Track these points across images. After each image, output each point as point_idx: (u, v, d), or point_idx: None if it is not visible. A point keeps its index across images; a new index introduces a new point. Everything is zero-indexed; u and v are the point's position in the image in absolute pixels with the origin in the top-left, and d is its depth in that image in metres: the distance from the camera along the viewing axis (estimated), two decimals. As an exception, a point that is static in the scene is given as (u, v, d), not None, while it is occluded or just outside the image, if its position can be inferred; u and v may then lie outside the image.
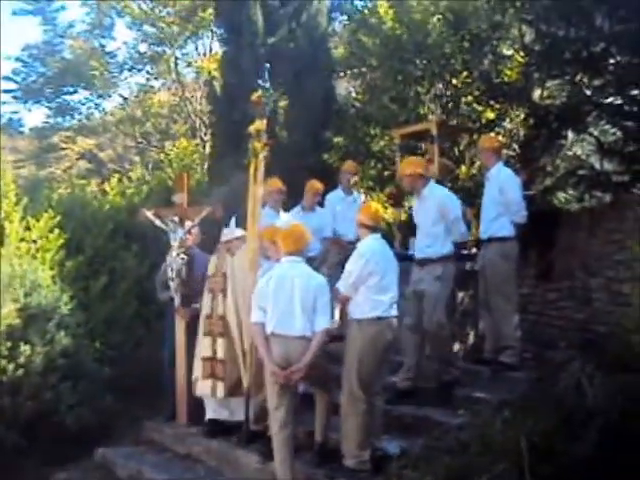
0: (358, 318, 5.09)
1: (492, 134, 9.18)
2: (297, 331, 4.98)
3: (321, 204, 7.59)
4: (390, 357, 5.24)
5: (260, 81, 9.77)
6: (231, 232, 6.32)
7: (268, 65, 10.00)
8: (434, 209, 6.05)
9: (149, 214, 6.76)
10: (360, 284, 5.08)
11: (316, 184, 7.26)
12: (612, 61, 7.57)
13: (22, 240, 7.39)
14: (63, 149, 19.00)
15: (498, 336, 6.44)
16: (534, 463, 4.08)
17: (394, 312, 5.13)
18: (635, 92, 7.52)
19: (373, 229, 5.28)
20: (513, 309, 6.46)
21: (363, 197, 8.16)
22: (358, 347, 5.05)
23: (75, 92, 17.84)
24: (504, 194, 6.40)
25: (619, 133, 8.16)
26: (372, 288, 5.06)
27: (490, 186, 6.54)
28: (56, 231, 7.59)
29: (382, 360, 5.10)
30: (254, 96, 6.39)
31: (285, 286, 5.06)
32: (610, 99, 7.81)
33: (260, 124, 6.15)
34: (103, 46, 17.59)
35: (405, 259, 6.22)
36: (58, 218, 7.72)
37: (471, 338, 6.54)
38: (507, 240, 6.40)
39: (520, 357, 6.45)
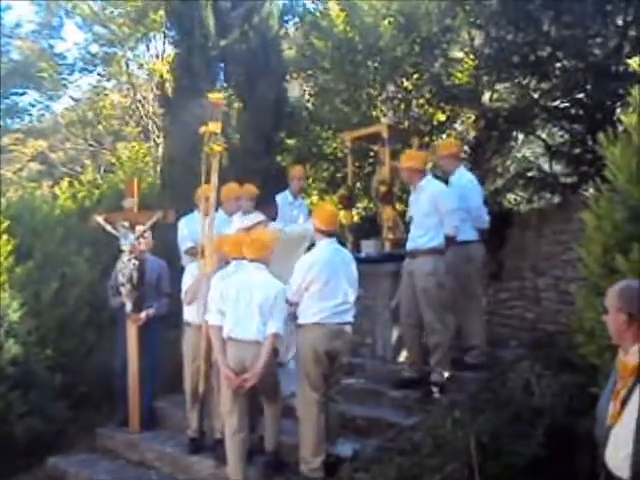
0: (300, 323, 5.16)
1: (445, 137, 9.32)
2: (252, 335, 5.02)
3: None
4: (341, 362, 5.22)
5: (211, 84, 9.70)
6: (251, 218, 6.42)
7: (220, 67, 9.96)
8: (427, 201, 6.12)
9: (100, 220, 6.68)
10: (304, 291, 5.13)
11: (251, 188, 7.16)
12: (558, 65, 7.73)
13: (-31, 247, 7.22)
14: (12, 151, 18.63)
15: (462, 336, 6.52)
16: (483, 462, 4.16)
17: (340, 319, 5.12)
18: (581, 95, 7.70)
19: (328, 234, 5.31)
20: (479, 309, 6.59)
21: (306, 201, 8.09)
22: (301, 352, 5.13)
23: (24, 93, 17.53)
24: (465, 200, 6.43)
25: (566, 135, 8.34)
26: (314, 294, 5.10)
27: (452, 191, 6.57)
28: (4, 236, 7.42)
29: (328, 365, 5.10)
30: (214, 97, 6.30)
31: (245, 293, 5.09)
32: (557, 102, 7.98)
33: (216, 126, 6.12)
34: (52, 47, 17.31)
35: (358, 262, 6.25)
36: (7, 223, 7.55)
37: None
38: (469, 243, 6.46)
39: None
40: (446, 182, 6.58)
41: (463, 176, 6.68)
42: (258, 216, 6.43)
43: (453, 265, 6.34)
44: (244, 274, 5.23)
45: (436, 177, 6.55)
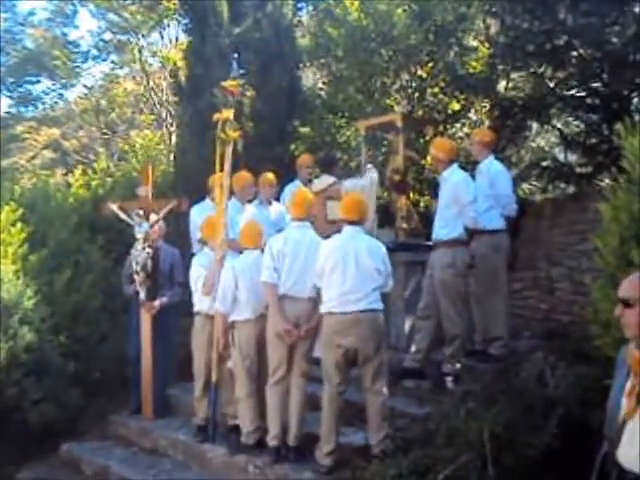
0: (321, 312, 5.15)
1: (459, 126, 9.28)
2: (308, 293, 5.22)
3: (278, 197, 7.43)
4: (366, 354, 5.01)
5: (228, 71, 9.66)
6: (321, 182, 6.67)
7: (234, 55, 9.91)
8: (448, 192, 6.12)
9: (114, 207, 6.71)
10: (320, 278, 5.13)
11: (269, 176, 7.13)
12: (575, 54, 7.64)
13: (-17, 234, 7.25)
14: (26, 139, 18.69)
15: (486, 328, 6.48)
16: (497, 453, 4.14)
17: (354, 307, 4.97)
18: (597, 85, 7.62)
19: (350, 222, 5.25)
20: (504, 300, 6.52)
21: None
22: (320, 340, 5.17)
23: (38, 82, 17.59)
24: (495, 187, 6.43)
25: (582, 125, 8.26)
26: (326, 283, 5.08)
27: (481, 179, 6.52)
28: (19, 224, 7.45)
29: (343, 357, 5.01)
30: (227, 83, 6.29)
31: (300, 250, 5.27)
32: (573, 91, 7.91)
33: (229, 112, 6.10)
34: (65, 35, 17.32)
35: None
36: (21, 211, 7.58)
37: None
38: (497, 232, 6.44)
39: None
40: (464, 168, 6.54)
41: (492, 164, 6.63)
42: (329, 178, 6.63)
43: (481, 255, 6.30)
44: (297, 233, 5.38)
45: (462, 167, 6.51)
